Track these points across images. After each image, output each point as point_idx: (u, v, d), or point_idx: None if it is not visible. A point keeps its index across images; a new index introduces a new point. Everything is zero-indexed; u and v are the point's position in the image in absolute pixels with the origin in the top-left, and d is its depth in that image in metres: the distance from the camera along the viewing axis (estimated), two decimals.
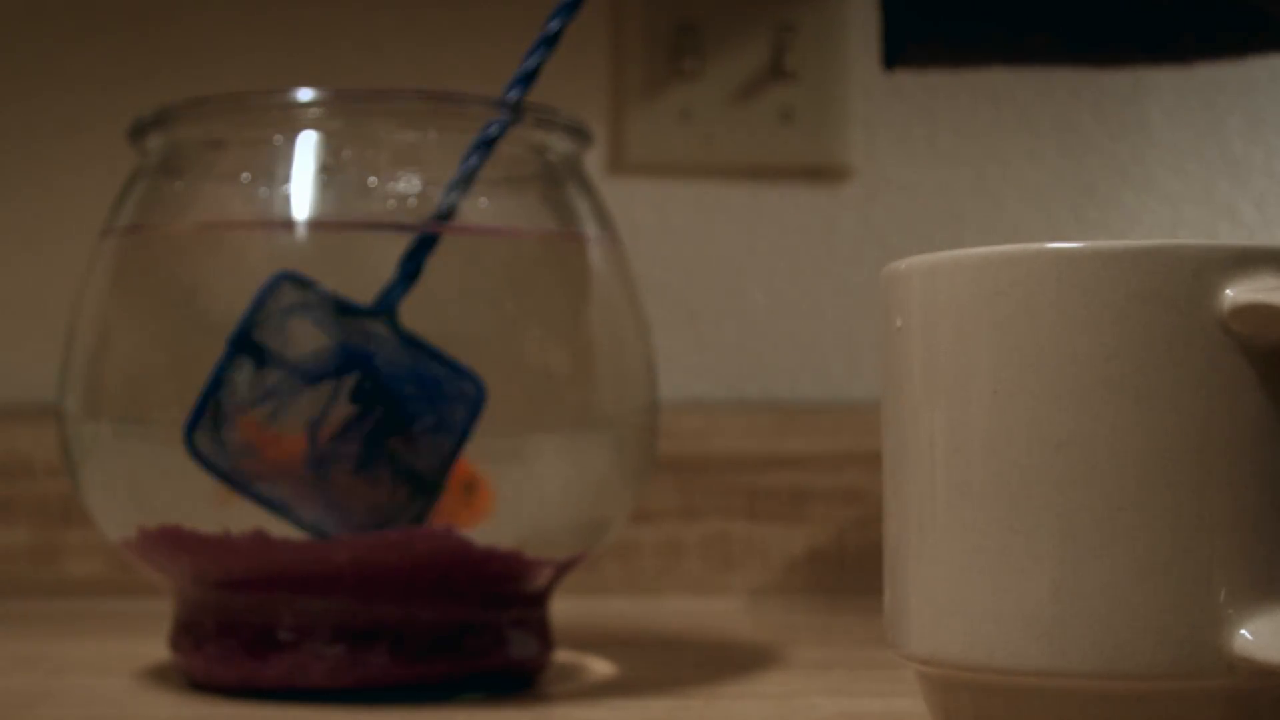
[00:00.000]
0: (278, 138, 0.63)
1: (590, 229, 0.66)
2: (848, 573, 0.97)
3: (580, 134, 0.67)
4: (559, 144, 0.66)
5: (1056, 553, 0.43)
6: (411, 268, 0.59)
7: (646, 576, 0.97)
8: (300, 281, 0.59)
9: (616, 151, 1.02)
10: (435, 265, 0.61)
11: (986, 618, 0.44)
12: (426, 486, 0.59)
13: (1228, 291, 0.43)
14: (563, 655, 0.70)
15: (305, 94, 0.63)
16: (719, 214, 1.03)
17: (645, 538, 0.96)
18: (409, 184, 0.63)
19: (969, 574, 0.44)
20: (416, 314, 0.60)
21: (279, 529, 0.60)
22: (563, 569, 0.65)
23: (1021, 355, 0.43)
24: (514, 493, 0.62)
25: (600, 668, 0.69)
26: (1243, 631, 0.43)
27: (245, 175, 0.63)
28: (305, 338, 0.59)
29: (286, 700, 0.60)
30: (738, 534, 0.97)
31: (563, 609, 0.74)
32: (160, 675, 0.66)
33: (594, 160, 0.98)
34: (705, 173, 1.03)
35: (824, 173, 1.03)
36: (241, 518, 0.60)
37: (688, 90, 1.02)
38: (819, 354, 1.03)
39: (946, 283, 0.45)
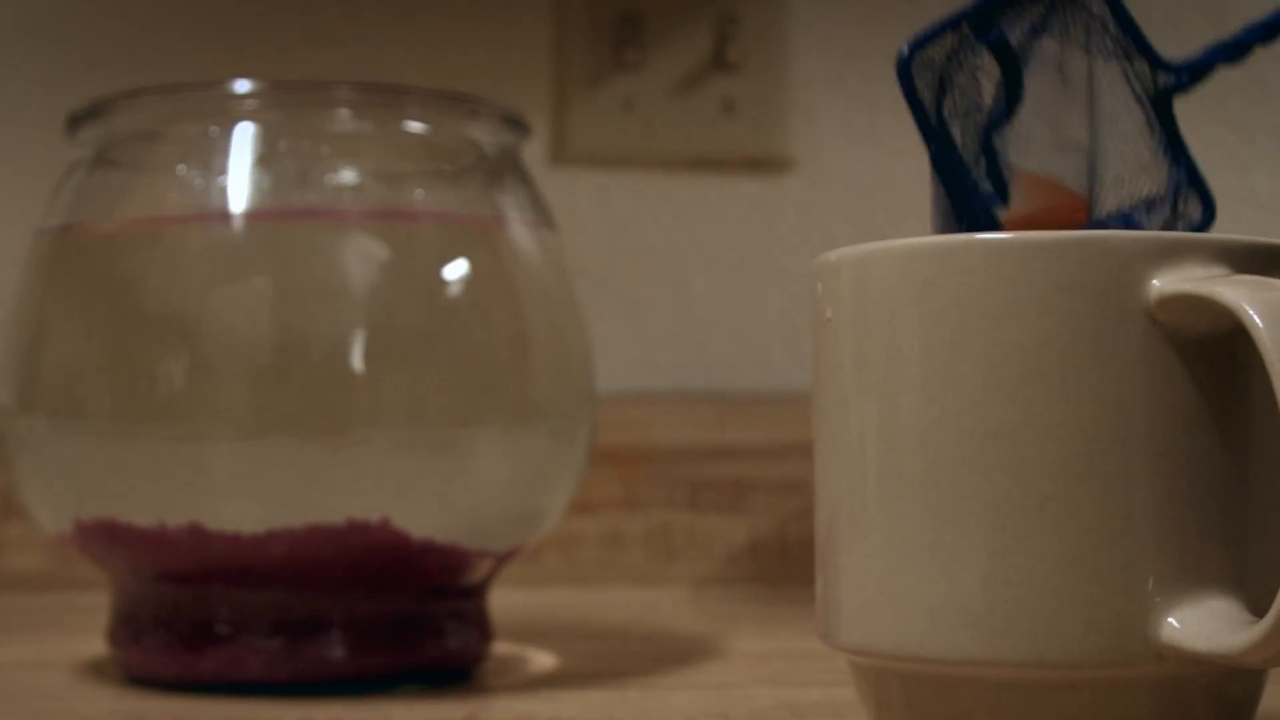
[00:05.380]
0: (214, 129, 0.63)
1: (527, 220, 0.66)
2: (789, 563, 0.97)
3: (518, 125, 0.66)
4: (496, 135, 0.66)
5: (985, 543, 0.43)
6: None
7: (588, 568, 0.97)
8: None
9: (558, 142, 1.02)
10: (367, 256, 0.61)
11: (917, 608, 0.44)
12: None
13: (1154, 282, 0.43)
14: (503, 647, 0.70)
15: (242, 85, 0.63)
16: (661, 205, 1.03)
17: (587, 529, 0.96)
18: (346, 175, 0.63)
19: (899, 564, 0.45)
20: (347, 304, 0.60)
21: (215, 521, 0.59)
22: (501, 560, 0.65)
23: (950, 346, 0.44)
24: (451, 484, 0.61)
25: (540, 659, 0.69)
26: (1170, 620, 0.43)
27: (182, 167, 0.63)
28: None
29: (224, 693, 0.60)
30: (679, 525, 0.97)
31: (504, 600, 0.74)
32: (98, 669, 0.66)
33: (536, 151, 0.98)
34: (647, 163, 1.03)
35: (766, 163, 1.04)
36: (178, 511, 0.60)
37: (630, 81, 1.02)
38: (761, 345, 1.03)
39: (876, 273, 0.45)
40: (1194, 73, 0.52)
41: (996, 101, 0.50)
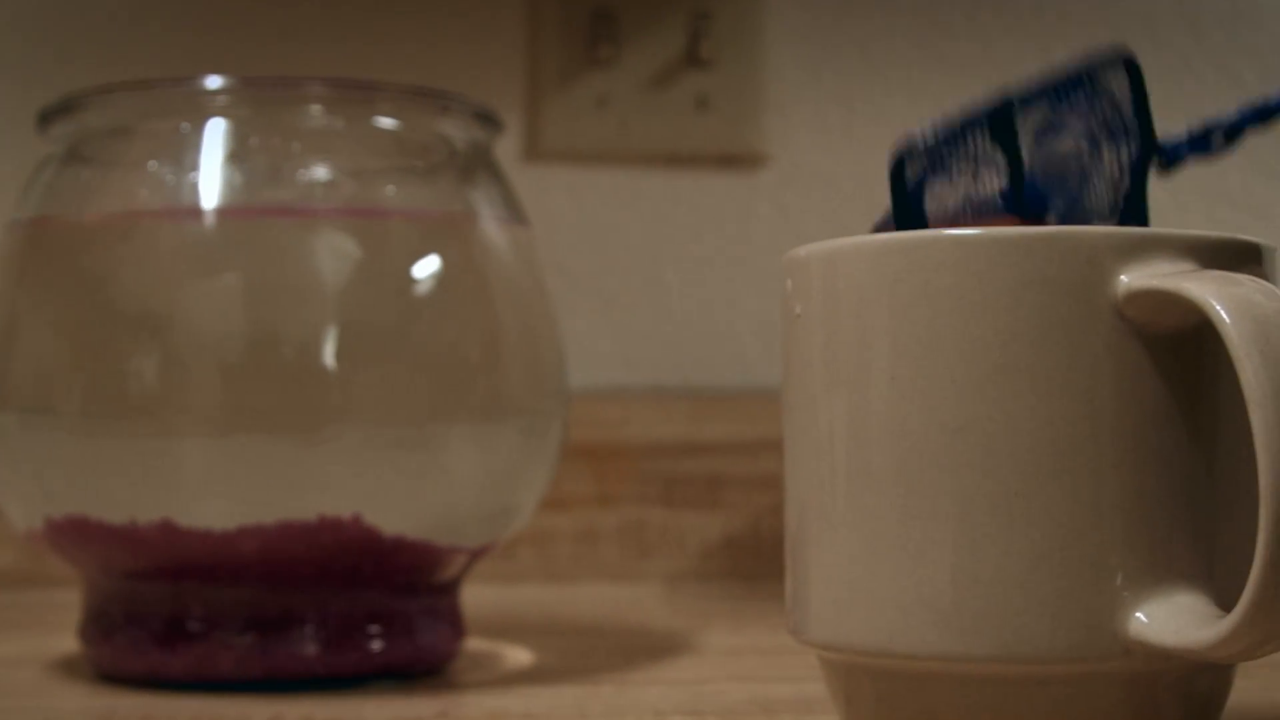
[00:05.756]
0: (185, 125, 0.63)
1: (499, 216, 0.65)
2: (764, 559, 0.97)
3: (490, 121, 0.66)
4: (468, 131, 0.66)
5: (954, 538, 0.43)
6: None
7: (563, 564, 0.97)
8: None
9: (532, 139, 1.02)
10: (339, 253, 0.61)
11: (886, 603, 0.44)
12: None
13: (1123, 277, 0.43)
14: (476, 643, 0.70)
15: (213, 81, 0.63)
16: (635, 201, 1.03)
17: (561, 525, 0.96)
18: (318, 171, 0.63)
19: (868, 560, 0.45)
20: (319, 301, 0.60)
21: (186, 518, 0.59)
22: (473, 557, 0.65)
23: (919, 341, 0.44)
24: (423, 481, 0.61)
25: (513, 656, 0.69)
26: (1138, 614, 0.43)
27: (153, 163, 0.63)
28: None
29: (196, 691, 0.60)
30: (654, 521, 0.97)
31: (478, 597, 0.74)
32: (69, 666, 0.66)
33: (509, 148, 0.98)
34: (621, 160, 1.03)
35: (740, 160, 1.04)
36: (149, 507, 0.60)
37: (604, 78, 1.02)
38: (735, 341, 1.03)
39: (845, 269, 0.45)
40: (1175, 157, 0.52)
41: (992, 191, 0.50)
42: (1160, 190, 1.07)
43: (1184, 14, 1.08)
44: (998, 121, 0.50)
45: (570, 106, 1.02)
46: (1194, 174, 1.07)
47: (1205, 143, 0.52)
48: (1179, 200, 1.04)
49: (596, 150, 1.02)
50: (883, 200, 0.52)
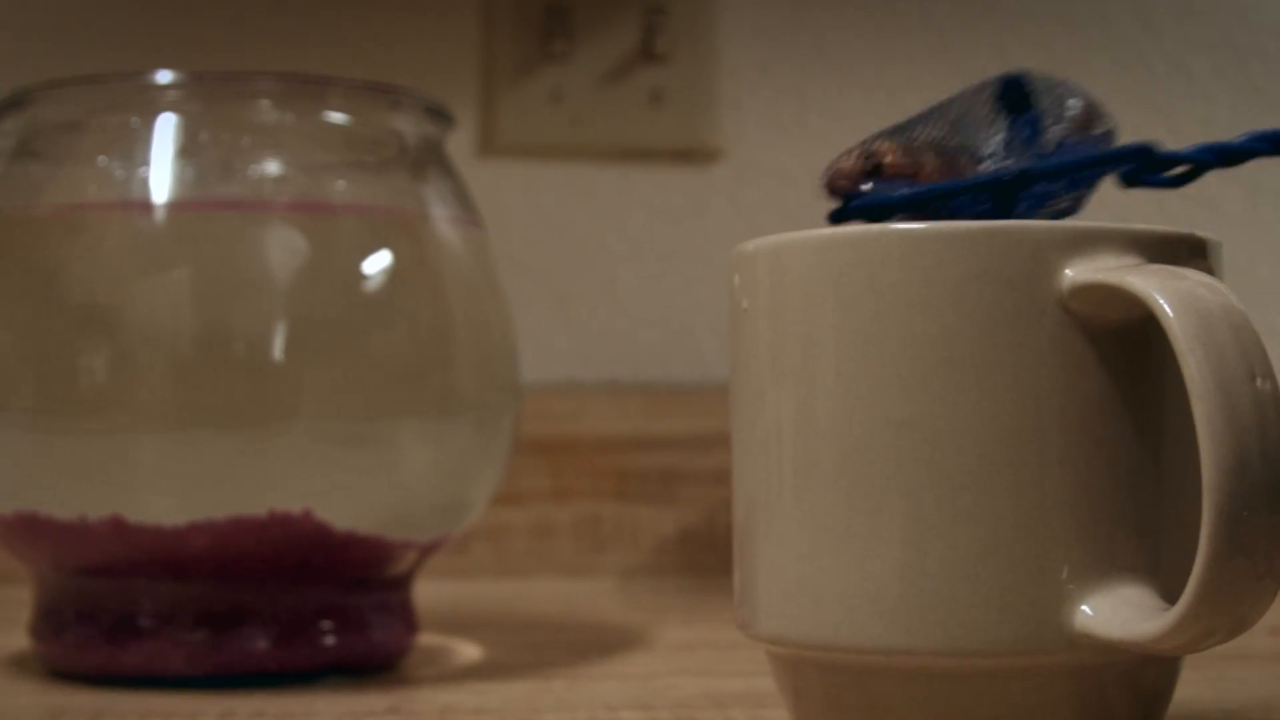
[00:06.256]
0: (135, 120, 0.62)
1: (451, 211, 0.65)
2: (718, 553, 0.97)
3: (442, 116, 0.66)
4: (419, 126, 0.66)
5: (900, 532, 0.43)
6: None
7: (517, 559, 0.97)
8: None
9: (487, 133, 1.02)
10: (289, 248, 0.60)
11: (832, 597, 0.44)
12: None
13: (1067, 271, 0.43)
14: (429, 639, 0.70)
15: (163, 76, 0.62)
16: (589, 196, 1.03)
17: (516, 520, 0.96)
18: (268, 166, 0.63)
19: (815, 554, 0.45)
20: (269, 297, 0.60)
21: (136, 514, 0.59)
22: (425, 552, 0.65)
23: (864, 335, 0.44)
24: (373, 476, 0.61)
25: (466, 651, 0.69)
26: (1084, 608, 0.43)
27: (103, 158, 0.63)
28: None
29: (147, 687, 0.60)
30: (608, 515, 0.98)
31: (432, 592, 0.74)
32: (20, 663, 0.65)
33: (464, 142, 0.98)
34: (575, 155, 1.03)
35: (694, 155, 1.04)
36: (99, 504, 0.59)
37: (558, 72, 1.02)
38: (689, 335, 1.03)
39: (791, 264, 0.45)
40: (1132, 180, 0.52)
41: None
42: (1110, 182, 1.07)
43: (1137, 8, 1.09)
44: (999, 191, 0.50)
45: (525, 101, 1.02)
46: None
47: (1158, 171, 0.52)
48: (1130, 193, 1.04)
49: (551, 145, 1.02)
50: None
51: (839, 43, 1.05)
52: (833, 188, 0.50)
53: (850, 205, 0.49)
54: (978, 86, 0.50)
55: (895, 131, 0.50)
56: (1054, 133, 0.49)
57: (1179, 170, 0.52)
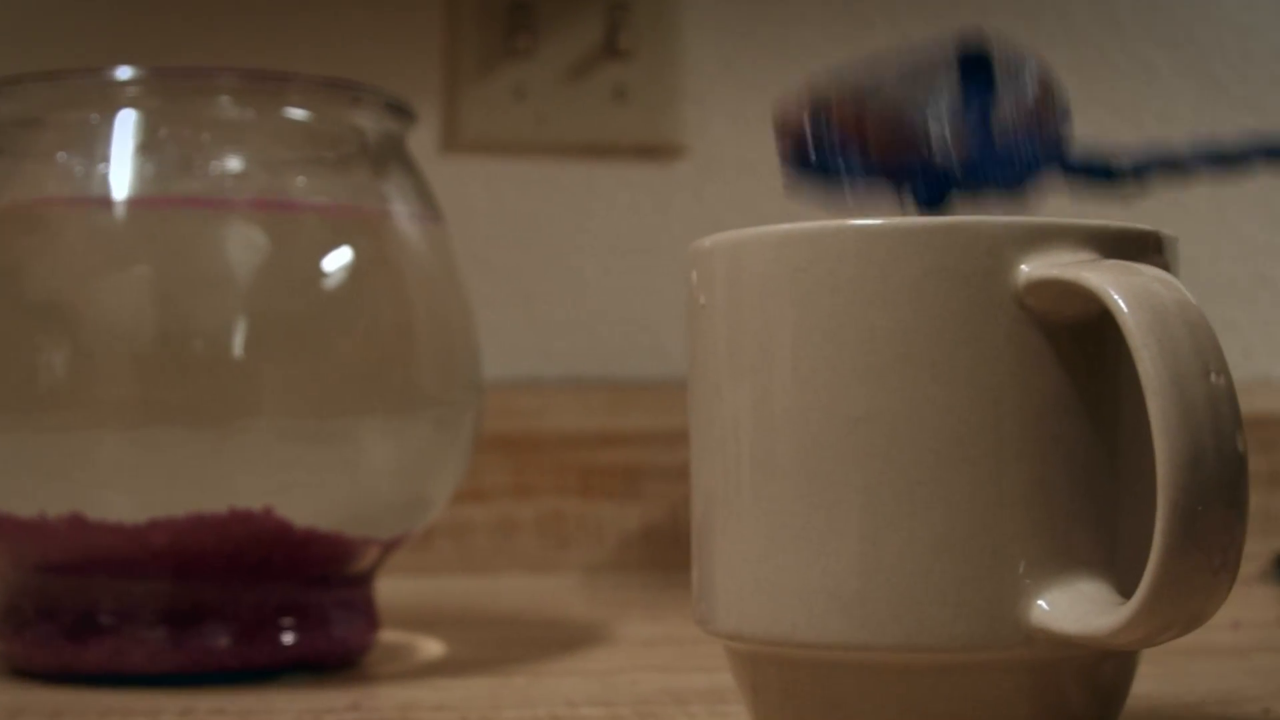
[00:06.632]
0: (94, 116, 0.62)
1: (412, 208, 0.65)
2: (682, 549, 0.96)
3: (403, 112, 0.66)
4: (380, 122, 0.66)
5: (857, 527, 0.43)
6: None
7: (481, 555, 0.97)
8: None
9: (450, 130, 1.02)
10: (249, 245, 0.60)
11: (790, 592, 0.44)
12: None
13: (1023, 267, 0.43)
14: (391, 635, 0.70)
15: (123, 72, 0.62)
16: (553, 192, 1.03)
17: (479, 517, 0.96)
18: (229, 163, 0.62)
19: (772, 549, 0.45)
20: (230, 293, 0.60)
21: (96, 511, 0.59)
22: (386, 549, 0.65)
23: (821, 331, 0.44)
24: (334, 473, 0.61)
25: (428, 647, 0.69)
26: (1040, 602, 0.43)
27: (62, 154, 0.63)
28: None
29: (108, 685, 0.60)
30: (572, 512, 0.98)
31: (396, 589, 0.73)
32: None
33: (427, 139, 0.98)
34: (539, 151, 1.03)
35: (658, 150, 1.04)
36: (58, 500, 0.59)
37: (521, 68, 1.02)
38: (653, 331, 1.03)
39: (748, 260, 0.45)
40: (1073, 172, 0.52)
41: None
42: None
43: (1099, 3, 1.09)
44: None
45: (488, 97, 1.02)
46: None
47: (1106, 172, 0.53)
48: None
49: (514, 141, 1.02)
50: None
51: (802, 38, 1.05)
52: (781, 130, 0.51)
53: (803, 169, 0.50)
54: (937, 43, 0.51)
55: (844, 75, 0.50)
56: (1006, 113, 0.49)
57: (1124, 176, 0.52)
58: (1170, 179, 0.55)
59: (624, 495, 0.98)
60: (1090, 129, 1.10)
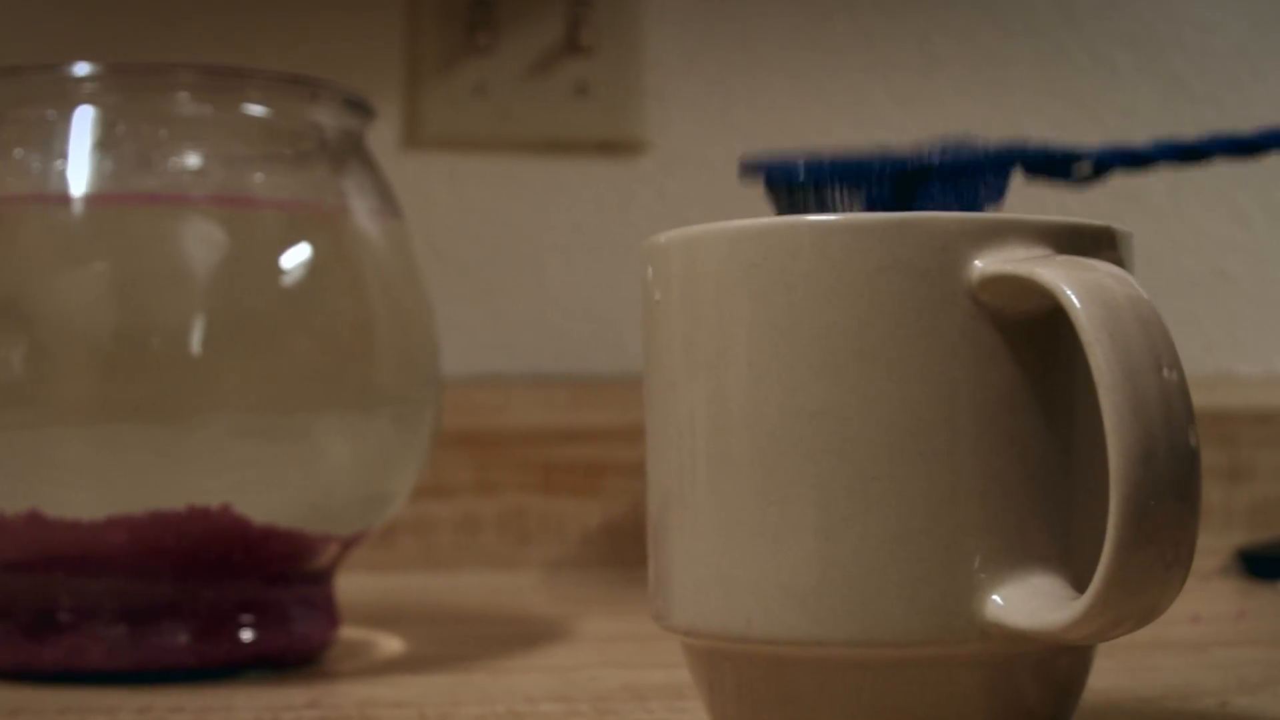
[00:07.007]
0: (52, 113, 0.62)
1: (370, 204, 0.65)
2: (643, 545, 0.96)
3: (362, 109, 0.66)
4: (339, 119, 0.66)
5: (812, 523, 0.43)
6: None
7: (443, 552, 0.97)
8: None
9: (411, 126, 1.02)
10: (208, 241, 0.60)
11: (745, 588, 0.44)
12: None
13: (977, 263, 0.43)
14: (352, 632, 0.70)
15: (80, 68, 0.62)
16: (514, 188, 1.03)
17: (441, 513, 0.96)
18: (187, 159, 0.62)
19: (728, 545, 0.45)
20: (188, 290, 0.60)
21: (54, 509, 0.59)
22: (346, 545, 0.65)
23: (776, 327, 0.44)
24: (292, 470, 0.61)
25: (388, 644, 0.69)
26: (995, 597, 0.43)
27: (19, 150, 0.62)
28: None
29: (66, 683, 0.60)
30: (534, 508, 0.98)
31: (358, 586, 0.73)
32: None
33: (388, 135, 0.98)
34: (500, 147, 1.03)
35: (619, 146, 1.04)
36: (16, 498, 0.59)
37: (483, 64, 1.02)
38: (615, 327, 1.03)
39: (703, 256, 0.45)
40: (1035, 168, 0.53)
41: None
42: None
43: (1060, 2, 1.09)
44: (898, 178, 0.50)
45: (450, 93, 1.02)
46: None
47: (1066, 168, 0.53)
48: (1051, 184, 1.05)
49: (476, 137, 1.02)
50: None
51: (763, 34, 1.06)
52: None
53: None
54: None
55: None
56: None
57: (1084, 171, 0.52)
58: (1130, 172, 0.55)
59: (586, 491, 0.98)
60: (1050, 124, 1.10)
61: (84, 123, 0.62)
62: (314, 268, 0.62)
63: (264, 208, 0.63)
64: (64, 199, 0.61)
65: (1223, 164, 0.56)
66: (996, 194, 0.51)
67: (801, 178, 0.51)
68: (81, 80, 0.62)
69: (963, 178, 0.50)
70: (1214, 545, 0.92)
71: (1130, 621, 0.42)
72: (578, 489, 0.98)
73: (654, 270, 0.47)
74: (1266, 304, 1.10)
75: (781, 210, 0.52)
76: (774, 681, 0.45)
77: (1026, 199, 1.02)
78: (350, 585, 0.69)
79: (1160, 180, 1.09)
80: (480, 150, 1.03)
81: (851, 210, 0.50)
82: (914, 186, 0.50)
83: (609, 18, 1.02)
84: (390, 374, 0.64)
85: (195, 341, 0.59)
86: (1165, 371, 0.40)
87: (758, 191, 0.53)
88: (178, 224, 0.61)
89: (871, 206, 0.51)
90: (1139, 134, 1.02)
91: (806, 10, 1.06)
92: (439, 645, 0.69)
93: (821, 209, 0.51)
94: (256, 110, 0.64)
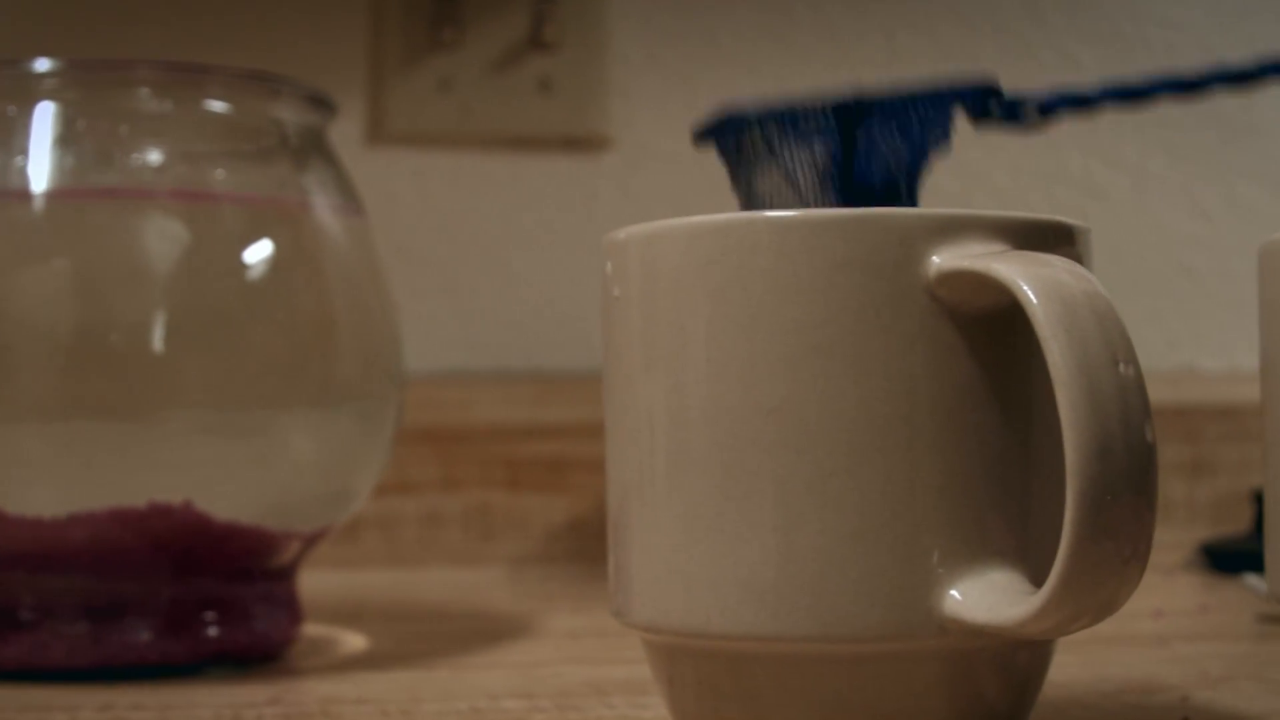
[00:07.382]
0: (12, 109, 0.62)
1: (332, 201, 0.65)
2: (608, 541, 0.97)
3: (323, 105, 0.66)
4: (301, 115, 0.65)
5: (771, 518, 0.43)
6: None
7: (408, 548, 0.97)
8: None
9: (375, 122, 1.02)
10: (169, 237, 0.60)
11: (704, 584, 0.44)
12: None
13: (934, 258, 0.43)
14: (316, 629, 0.70)
15: (41, 64, 0.62)
16: (478, 184, 1.03)
17: (406, 509, 0.96)
18: (148, 155, 0.62)
19: (687, 541, 0.45)
20: (149, 286, 0.59)
21: (14, 506, 0.59)
22: (308, 542, 0.65)
23: (734, 323, 0.44)
24: (254, 467, 0.61)
25: (352, 641, 0.69)
26: (953, 592, 0.43)
27: None
28: None
29: (27, 680, 0.60)
30: (498, 504, 0.98)
31: (321, 582, 0.73)
32: None
33: (352, 131, 0.98)
34: (465, 143, 1.03)
35: (583, 143, 1.04)
36: None
37: (447, 60, 1.02)
38: (579, 323, 1.03)
39: (662, 252, 0.45)
40: (981, 112, 0.53)
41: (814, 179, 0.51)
42: (1001, 171, 1.08)
43: None
44: (840, 115, 0.50)
45: (413, 89, 1.02)
46: (1035, 155, 1.08)
47: (1016, 111, 0.53)
48: (1019, 182, 1.05)
49: (440, 133, 1.02)
50: (727, 181, 0.53)
51: (727, 30, 1.06)
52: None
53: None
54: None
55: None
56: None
57: (1031, 115, 0.53)
58: (1077, 115, 0.55)
59: (550, 487, 0.98)
60: None
61: (45, 119, 0.62)
62: (276, 264, 0.62)
63: (225, 204, 0.63)
64: (24, 195, 0.60)
65: (1168, 104, 0.56)
66: (941, 134, 0.51)
67: (745, 125, 0.51)
68: (42, 76, 0.62)
69: (903, 114, 0.50)
70: (1177, 540, 0.92)
71: (1088, 616, 0.42)
72: (542, 485, 0.98)
73: (613, 266, 0.47)
74: (1229, 300, 1.11)
75: (734, 167, 0.52)
76: (734, 677, 0.45)
77: (987, 192, 1.02)
78: (314, 581, 0.69)
79: (1125, 177, 1.09)
80: (444, 146, 1.02)
81: (798, 153, 0.50)
82: (856, 125, 0.50)
83: (573, 14, 1.02)
84: (353, 370, 0.64)
85: (156, 338, 0.59)
86: (1122, 367, 0.40)
87: (723, 187, 0.53)
88: (139, 220, 0.61)
89: (816, 149, 0.51)
90: (1102, 128, 1.02)
91: (771, 6, 1.06)
92: (402, 642, 0.69)
93: (771, 156, 0.51)
94: (218, 106, 0.64)
